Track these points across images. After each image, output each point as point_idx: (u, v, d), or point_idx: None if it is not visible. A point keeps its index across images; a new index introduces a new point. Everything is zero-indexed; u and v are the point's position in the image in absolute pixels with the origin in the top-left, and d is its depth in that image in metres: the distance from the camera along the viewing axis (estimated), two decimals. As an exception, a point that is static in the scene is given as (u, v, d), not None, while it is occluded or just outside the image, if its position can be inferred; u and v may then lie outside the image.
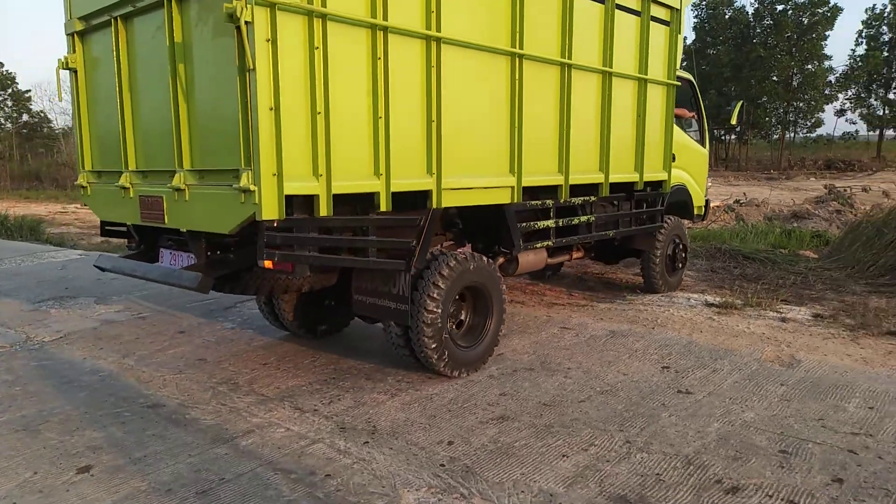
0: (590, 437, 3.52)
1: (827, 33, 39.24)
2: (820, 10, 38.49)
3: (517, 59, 4.69)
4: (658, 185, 6.64)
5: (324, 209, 3.71)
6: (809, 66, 39.92)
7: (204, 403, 4.08)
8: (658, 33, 6.19)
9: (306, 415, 3.89)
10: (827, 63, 40.30)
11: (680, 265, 7.39)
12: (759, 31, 40.73)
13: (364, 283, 4.46)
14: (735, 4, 41.11)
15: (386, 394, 4.21)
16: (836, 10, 38.52)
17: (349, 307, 4.73)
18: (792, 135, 44.61)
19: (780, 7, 39.69)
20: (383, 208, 4.01)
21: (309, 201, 3.72)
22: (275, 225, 3.58)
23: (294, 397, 4.17)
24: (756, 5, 40.62)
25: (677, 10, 6.35)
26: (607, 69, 5.56)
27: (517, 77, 4.72)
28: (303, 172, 3.61)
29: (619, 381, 4.38)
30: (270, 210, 3.47)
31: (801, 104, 41.28)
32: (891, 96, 41.32)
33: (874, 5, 41.26)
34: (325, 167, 3.66)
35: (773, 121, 41.89)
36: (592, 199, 5.77)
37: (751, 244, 9.81)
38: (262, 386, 4.39)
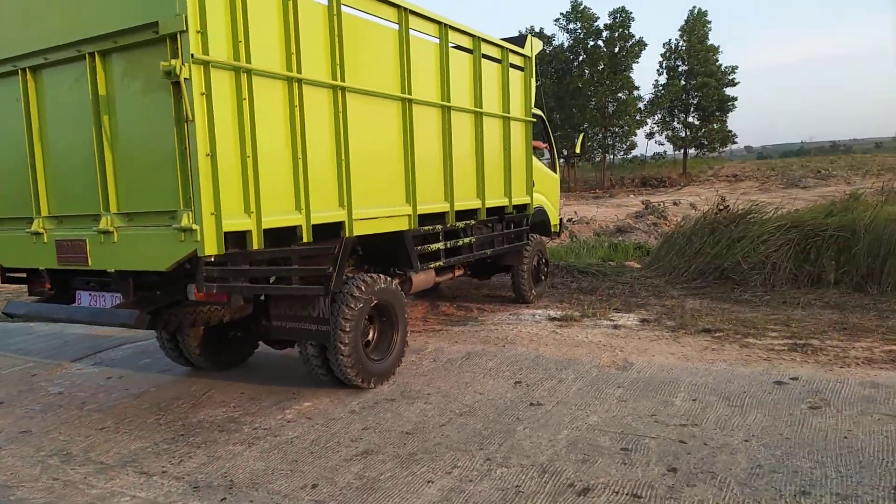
0: (452, 459, 3.62)
1: (634, 65, 43.86)
2: (627, 44, 42.97)
3: (407, 104, 5.41)
4: (523, 207, 7.65)
5: (256, 243, 4.08)
6: (621, 95, 44.28)
7: (32, 480, 3.65)
8: (516, 77, 7.25)
9: (153, 478, 3.62)
10: (636, 92, 44.93)
11: (543, 276, 8.39)
12: (576, 64, 44.56)
13: (283, 310, 4.83)
14: (554, 43, 44.62)
15: (242, 444, 4.03)
16: (641, 45, 43.21)
17: (254, 337, 5.49)
18: (611, 157, 49.05)
19: (591, 42, 43.78)
20: (306, 239, 4.44)
21: (240, 236, 4.04)
22: (212, 259, 3.83)
23: (138, 461, 3.86)
24: (570, 41, 44.49)
25: (529, 57, 7.53)
26: (478, 109, 6.46)
27: (408, 118, 5.42)
28: (236, 211, 3.95)
29: (477, 400, 4.54)
30: (211, 246, 3.76)
31: (616, 129, 45.54)
32: (690, 119, 46.85)
33: (669, 40, 46.68)
34: (255, 205, 4.04)
35: (595, 145, 45.82)
36: (472, 222, 6.55)
37: (584, 259, 10.63)
38: (100, 453, 4.01)
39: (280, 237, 4.35)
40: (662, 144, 50.36)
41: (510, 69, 7.04)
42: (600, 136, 45.19)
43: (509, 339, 6.18)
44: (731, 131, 47.18)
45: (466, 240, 6.45)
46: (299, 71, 4.33)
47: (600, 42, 43.52)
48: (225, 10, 3.87)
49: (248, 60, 3.97)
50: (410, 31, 5.41)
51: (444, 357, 5.69)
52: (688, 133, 47.12)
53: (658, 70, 46.91)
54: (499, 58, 6.88)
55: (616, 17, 42.99)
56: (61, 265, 4.40)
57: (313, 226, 4.47)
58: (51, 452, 4.05)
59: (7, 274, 5.01)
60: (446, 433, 4.01)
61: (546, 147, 8.99)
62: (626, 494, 3.13)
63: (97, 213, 4.14)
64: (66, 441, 4.23)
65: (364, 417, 4.35)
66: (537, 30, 45.03)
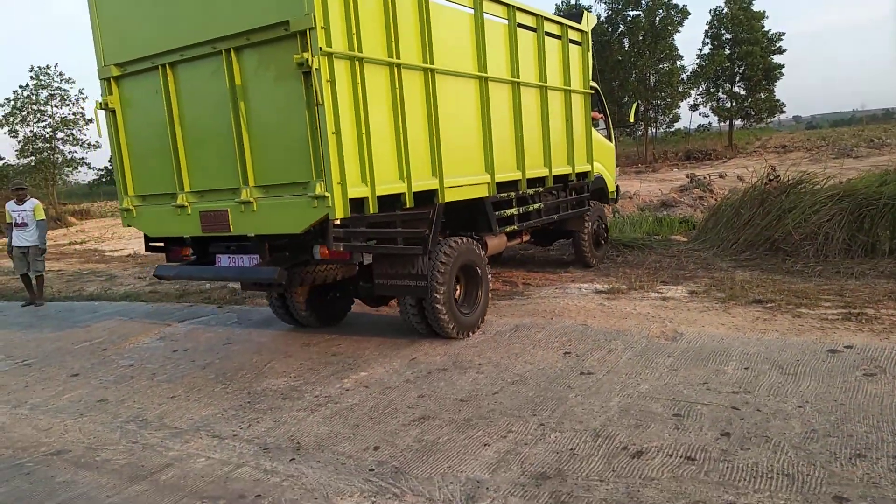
0: (507, 424, 3.74)
1: (676, 35, 42.66)
2: (670, 13, 41.79)
3: (484, 81, 5.94)
4: (584, 175, 8.18)
5: (371, 208, 4.75)
6: (663, 66, 43.20)
7: (113, 444, 3.92)
8: (574, 52, 7.70)
9: (226, 441, 3.84)
10: (679, 62, 43.76)
11: (603, 241, 8.92)
12: (615, 36, 43.58)
13: (386, 269, 5.47)
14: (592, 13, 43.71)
15: (306, 410, 4.23)
16: (685, 13, 41.97)
17: (351, 297, 6.49)
18: (654, 130, 48.02)
19: (631, 13, 42.70)
20: (409, 205, 5.10)
21: (358, 202, 4.66)
22: (338, 222, 4.52)
23: (210, 426, 4.10)
24: (609, 13, 43.46)
25: (586, 32, 7.97)
26: (543, 84, 6.94)
27: (485, 95, 5.97)
28: (356, 180, 4.60)
29: (528, 370, 4.65)
30: (340, 210, 4.44)
31: (659, 101, 44.51)
32: (736, 90, 45.46)
33: (716, 7, 45.11)
34: (370, 175, 4.69)
35: (637, 118, 44.90)
36: (540, 190, 7.16)
37: (628, 234, 10.55)
38: (173, 419, 4.27)
39: (386, 204, 4.97)
40: (707, 116, 49.05)
41: (569, 44, 7.51)
42: (643, 108, 44.28)
43: (556, 312, 6.25)
44: (778, 100, 45.57)
45: (535, 206, 7.08)
46: (398, 57, 4.93)
47: (639, 11, 42.42)
48: (341, 8, 4.46)
49: (360, 50, 4.58)
50: (484, 15, 5.91)
51: (493, 329, 5.81)
52: (733, 104, 45.76)
53: (703, 40, 45.54)
54: (559, 34, 7.35)
55: (657, -14, 41.78)
56: (205, 233, 5.13)
57: (413, 193, 5.12)
58: (128, 419, 4.33)
59: (150, 244, 5.79)
60: (499, 400, 4.13)
61: (602, 117, 9.42)
62: (680, 457, 3.20)
63: (237, 186, 4.83)
64: (141, 408, 4.51)
65: (419, 386, 4.50)
66: (573, 1, 44.09)
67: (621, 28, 43.35)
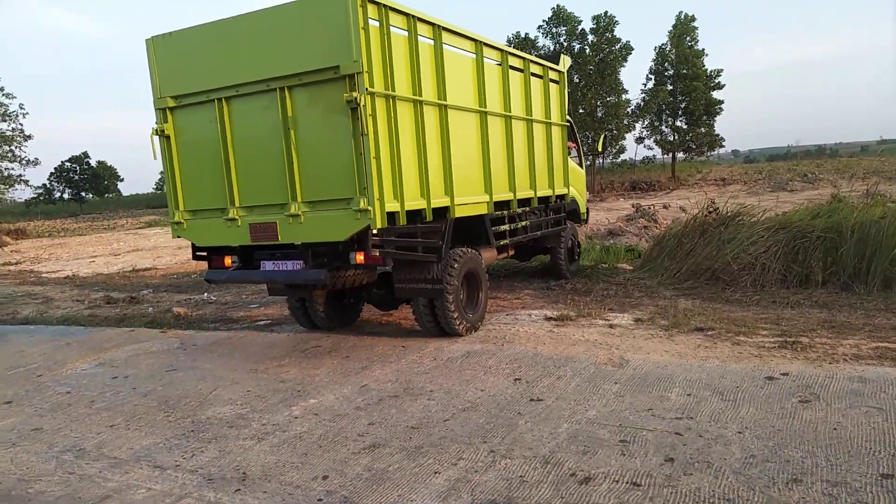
0: (457, 451, 3.75)
1: (621, 69, 44.18)
2: (614, 48, 43.30)
3: (483, 115, 6.97)
4: (561, 197, 9.41)
5: (402, 220, 5.67)
6: (610, 99, 44.62)
7: (48, 475, 3.75)
8: (553, 90, 8.89)
9: (168, 472, 3.72)
10: (624, 96, 45.27)
11: (576, 256, 10.18)
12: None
13: (405, 274, 6.36)
14: (539, 48, 44.85)
15: (252, 439, 4.14)
16: (628, 48, 43.55)
17: (360, 304, 7.53)
18: (601, 160, 49.37)
19: (576, 46, 44.05)
20: (428, 219, 6.07)
21: (390, 216, 5.52)
22: (375, 232, 5.43)
23: (151, 456, 3.97)
24: (555, 46, 44.72)
25: (562, 72, 9.24)
26: (529, 117, 8.08)
27: (484, 126, 6.99)
28: (391, 197, 5.50)
29: (479, 396, 4.67)
30: (379, 221, 5.32)
31: (606, 133, 45.88)
32: (678, 124, 47.26)
33: (661, 44, 47.00)
34: (400, 193, 5.60)
35: (585, 149, 46.11)
36: (527, 209, 8.22)
37: (577, 262, 10.76)
38: (112, 449, 4.11)
39: (410, 218, 5.82)
40: (651, 149, 50.78)
41: (549, 83, 8.71)
42: (590, 139, 45.57)
43: (507, 339, 6.31)
44: (718, 135, 47.64)
45: (523, 223, 8.09)
46: (421, 94, 5.90)
47: (586, 47, 43.82)
48: (379, 55, 5.38)
49: (393, 89, 5.52)
50: (484, 59, 6.94)
51: (445, 356, 5.82)
52: (676, 137, 47.53)
53: (647, 76, 47.33)
54: (541, 74, 8.54)
55: (600, 22, 43.31)
56: (254, 242, 5.88)
57: (432, 209, 6.06)
58: (64, 448, 4.14)
59: (197, 254, 6.47)
60: (450, 427, 4.13)
61: (574, 147, 10.69)
62: (626, 483, 3.27)
63: (285, 202, 5.65)
64: (79, 438, 4.33)
65: (369, 413, 4.47)
66: (522, 35, 45.21)
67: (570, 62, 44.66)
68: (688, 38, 45.57)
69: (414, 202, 5.81)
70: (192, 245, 6.41)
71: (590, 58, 43.52)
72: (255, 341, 6.92)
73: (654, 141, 48.89)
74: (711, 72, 45.77)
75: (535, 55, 8.51)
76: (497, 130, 7.32)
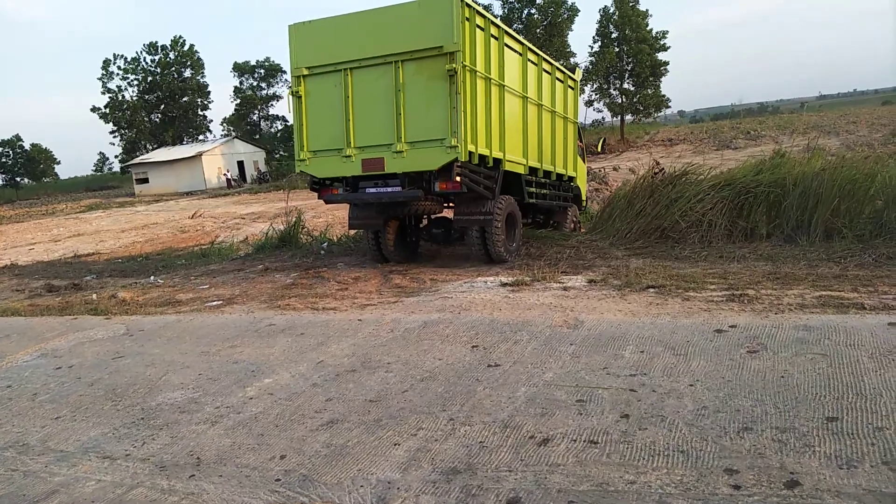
0: (417, 422, 3.72)
1: (569, 32, 44.24)
2: (560, 12, 43.25)
3: (524, 99, 9.31)
4: (571, 180, 11.83)
5: (475, 160, 7.91)
6: (560, 62, 44.73)
7: (-12, 474, 3.57)
8: (570, 94, 11.60)
9: (118, 462, 3.59)
10: (572, 60, 45.42)
11: (578, 229, 12.20)
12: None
13: (464, 208, 8.58)
14: (492, 12, 44.46)
15: (206, 423, 4.03)
16: (574, 10, 43.58)
17: (419, 241, 10.01)
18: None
19: (525, 11, 43.84)
20: (490, 164, 8.37)
21: (469, 155, 7.73)
22: (459, 164, 7.63)
23: (100, 447, 3.82)
24: (505, 11, 44.41)
25: (577, 81, 12.21)
26: (553, 109, 10.56)
27: (525, 107, 9.35)
28: (470, 140, 7.73)
29: (437, 366, 4.65)
30: (463, 156, 7.61)
31: (604, 137, 46.03)
32: (626, 86, 47.74)
33: (604, 6, 47.07)
34: (475, 140, 7.87)
35: (604, 149, 46.26)
36: (546, 182, 10.48)
37: (530, 227, 10.82)
38: (58, 442, 3.94)
39: (479, 161, 8.02)
40: (601, 112, 51.26)
41: (568, 88, 11.37)
42: (603, 139, 45.76)
43: (464, 307, 6.30)
44: (664, 96, 48.34)
45: (545, 191, 10.37)
46: (490, 74, 8.23)
47: (533, 10, 43.64)
48: (468, 43, 7.62)
49: (475, 66, 7.82)
50: (527, 59, 9.32)
51: (402, 327, 5.78)
52: (624, 99, 48.03)
53: (594, 37, 47.46)
54: (563, 80, 11.09)
55: (548, -15, 43.12)
56: (364, 172, 8.13)
57: (493, 158, 8.34)
58: (6, 445, 3.96)
59: (313, 186, 8.79)
60: (409, 398, 4.10)
61: (581, 146, 13.09)
62: (584, 441, 3.30)
63: (391, 142, 7.91)
64: (21, 433, 4.14)
65: (326, 389, 4.40)
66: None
67: (517, 26, 44.47)
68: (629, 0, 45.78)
69: (483, 149, 8.04)
70: (311, 177, 8.69)
71: (538, 21, 43.38)
72: (205, 323, 6.73)
73: (604, 104, 49.29)
74: (657, 34, 46.19)
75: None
76: (533, 113, 9.63)
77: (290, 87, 8.51)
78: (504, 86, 8.53)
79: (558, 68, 10.82)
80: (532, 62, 9.56)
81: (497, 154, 8.40)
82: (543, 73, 9.96)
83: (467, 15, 7.61)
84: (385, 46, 7.77)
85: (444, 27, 7.45)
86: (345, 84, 8.06)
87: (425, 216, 10.04)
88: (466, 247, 9.08)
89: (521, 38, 9.22)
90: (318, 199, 8.79)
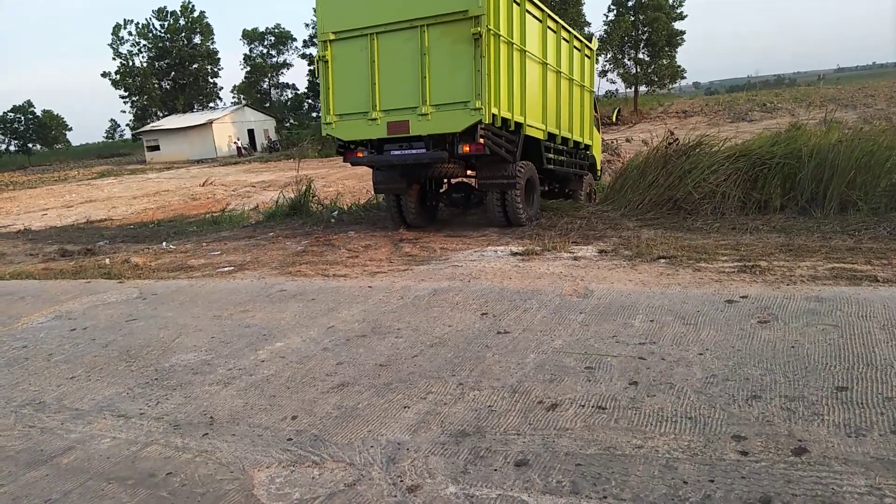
0: (426, 386, 3.76)
1: (584, 2, 43.46)
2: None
3: (544, 65, 9.60)
4: (587, 148, 12.06)
5: (498, 123, 8.12)
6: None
7: (7, 430, 3.65)
8: (587, 62, 11.78)
9: (132, 420, 3.66)
10: (587, 29, 44.66)
11: (593, 197, 12.38)
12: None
13: (486, 172, 8.91)
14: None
15: (218, 384, 4.08)
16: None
17: (438, 205, 10.37)
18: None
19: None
20: (511, 128, 8.60)
21: (492, 118, 7.93)
22: (482, 126, 7.90)
23: (115, 406, 3.89)
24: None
25: (593, 50, 12.26)
26: (571, 76, 10.77)
27: (545, 73, 9.63)
28: (494, 104, 7.96)
29: (446, 332, 4.68)
30: (487, 118, 7.81)
31: (619, 107, 45.42)
32: (640, 56, 46.97)
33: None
34: (498, 103, 8.06)
35: (619, 119, 45.69)
36: (564, 148, 10.76)
37: (545, 197, 10.77)
38: (74, 401, 4.02)
39: (501, 124, 8.26)
40: (615, 83, 50.54)
41: (584, 56, 11.59)
42: (621, 110, 45.18)
43: (474, 275, 6.31)
44: (680, 66, 47.56)
45: (563, 157, 10.61)
46: (512, 38, 8.41)
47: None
48: (492, 7, 7.78)
49: (499, 30, 8.00)
50: (546, 26, 9.58)
51: (412, 294, 5.80)
52: (638, 70, 47.30)
53: (609, 6, 46.59)
54: (580, 48, 11.26)
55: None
56: (390, 135, 8.31)
57: (514, 122, 8.58)
58: (23, 403, 4.04)
59: (338, 149, 9.11)
60: (419, 363, 4.14)
61: (596, 116, 13.33)
62: (592, 407, 3.32)
63: (416, 105, 8.12)
64: (38, 391, 4.22)
65: (337, 354, 4.44)
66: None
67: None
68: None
69: (505, 112, 8.26)
70: (337, 140, 8.90)
71: (551, -11, 42.55)
72: (217, 288, 6.79)
73: (618, 74, 48.58)
74: (673, 2, 45.26)
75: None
76: (552, 80, 9.92)
77: (317, 53, 8.82)
78: (525, 51, 8.74)
79: (576, 37, 10.96)
80: (551, 29, 9.79)
81: (518, 118, 8.61)
82: (562, 40, 10.17)
83: None
84: (410, 11, 7.98)
85: None
86: (370, 48, 8.24)
87: (445, 181, 10.34)
88: (483, 212, 9.47)
89: (541, 4, 9.39)
90: (344, 161, 9.04)
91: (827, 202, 7.88)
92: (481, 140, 7.86)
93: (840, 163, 7.99)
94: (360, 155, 8.77)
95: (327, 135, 8.94)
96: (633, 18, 45.58)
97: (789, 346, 3.87)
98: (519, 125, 8.72)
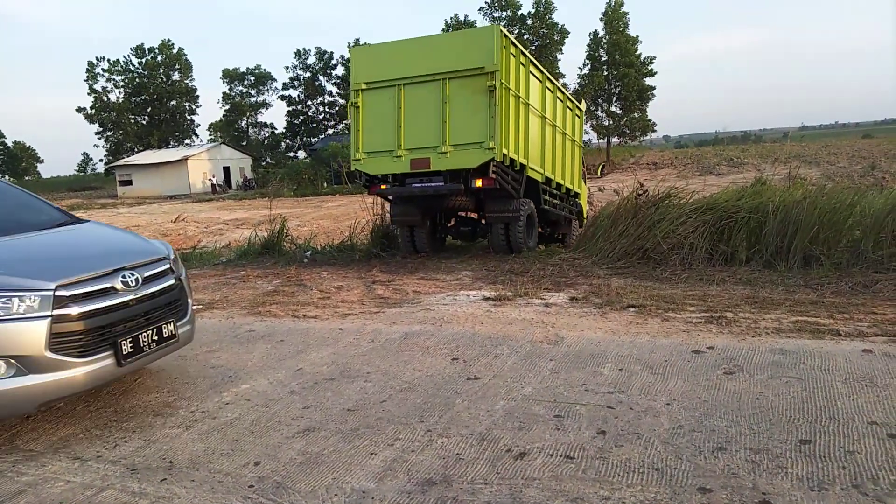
0: (394, 432, 3.71)
1: (559, 55, 44.78)
2: (551, 33, 43.79)
3: (543, 118, 11.10)
4: (576, 195, 13.62)
5: (507, 162, 9.48)
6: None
7: (-47, 472, 3.49)
8: (577, 121, 13.64)
9: (88, 463, 3.53)
10: (562, 81, 45.92)
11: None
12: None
13: (493, 206, 10.10)
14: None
15: (180, 427, 3.98)
16: (565, 32, 44.15)
17: (445, 237, 11.78)
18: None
19: (515, 30, 44.34)
20: (516, 168, 9.93)
21: (503, 157, 9.30)
22: (495, 163, 9.20)
23: (70, 447, 3.76)
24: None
25: (582, 111, 14.15)
26: (565, 131, 12.50)
27: (544, 125, 11.12)
28: (504, 144, 9.27)
29: (416, 377, 4.64)
30: (499, 156, 9.15)
31: (603, 163, 46.48)
32: (613, 109, 48.33)
33: (594, 30, 47.74)
34: (507, 145, 9.37)
35: (603, 174, 46.71)
36: (558, 192, 12.16)
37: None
38: (27, 441, 3.87)
39: (509, 164, 9.57)
40: (587, 133, 51.82)
41: (575, 116, 13.36)
42: (603, 166, 46.18)
43: (445, 319, 6.30)
44: (650, 120, 48.98)
45: (556, 200, 12.02)
46: (519, 93, 9.90)
47: (524, 31, 44.15)
48: (504, 65, 9.25)
49: (510, 84, 9.45)
50: (546, 86, 11.21)
51: (383, 337, 5.76)
52: (611, 122, 48.60)
53: (584, 61, 48.08)
54: (572, 108, 13.06)
55: (539, 6, 43.68)
56: (412, 170, 9.56)
57: (519, 163, 9.94)
58: (-28, 443, 3.87)
59: (365, 183, 10.33)
60: (387, 408, 4.09)
61: (583, 169, 14.65)
62: (560, 456, 3.31)
63: (437, 145, 9.37)
64: (-11, 431, 4.05)
65: (304, 397, 4.37)
66: (461, 18, 45.20)
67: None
68: (620, 24, 46.49)
69: (513, 153, 9.58)
70: (365, 175, 10.10)
71: (527, 43, 43.87)
72: (184, 327, 6.65)
73: (590, 126, 49.83)
74: (645, 59, 46.89)
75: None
76: (549, 131, 11.42)
77: (351, 100, 10.14)
78: (529, 104, 10.23)
79: (569, 97, 12.90)
80: (549, 89, 11.44)
81: (522, 160, 10.00)
82: (557, 99, 11.96)
83: (504, 43, 9.18)
84: (434, 66, 9.37)
85: (486, 51, 9.10)
86: (398, 96, 9.57)
87: (454, 216, 11.72)
88: (485, 242, 11.25)
89: (541, 66, 10.85)
90: (368, 193, 10.56)
91: (791, 256, 8.08)
92: (493, 175, 9.10)
93: (804, 219, 8.23)
94: (383, 187, 10.04)
95: (356, 169, 10.08)
96: (605, 73, 47.05)
97: (754, 398, 3.92)
98: (523, 166, 10.03)
